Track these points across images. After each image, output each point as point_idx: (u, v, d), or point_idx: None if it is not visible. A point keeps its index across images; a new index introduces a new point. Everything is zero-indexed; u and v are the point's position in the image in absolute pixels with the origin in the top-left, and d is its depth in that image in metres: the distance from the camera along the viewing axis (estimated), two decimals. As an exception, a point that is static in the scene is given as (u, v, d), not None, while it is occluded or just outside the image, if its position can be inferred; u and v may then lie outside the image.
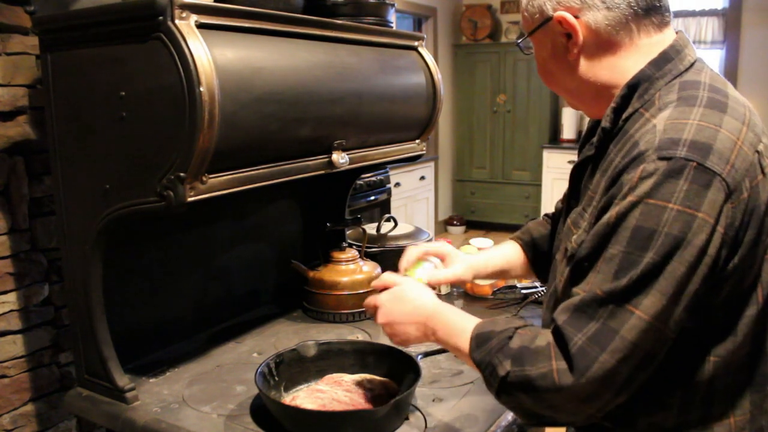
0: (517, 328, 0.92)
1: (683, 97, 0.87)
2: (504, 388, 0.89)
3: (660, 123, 0.85)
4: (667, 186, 0.79)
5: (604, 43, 0.93)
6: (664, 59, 0.92)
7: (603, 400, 0.83)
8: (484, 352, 0.92)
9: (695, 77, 0.92)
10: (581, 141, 1.10)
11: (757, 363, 0.91)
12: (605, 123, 0.95)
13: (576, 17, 0.92)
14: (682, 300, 0.80)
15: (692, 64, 0.94)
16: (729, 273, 0.83)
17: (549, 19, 0.94)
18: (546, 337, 0.87)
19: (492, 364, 0.90)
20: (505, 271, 1.35)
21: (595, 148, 0.98)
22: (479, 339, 0.94)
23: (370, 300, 1.18)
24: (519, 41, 1.04)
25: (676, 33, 0.97)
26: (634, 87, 0.92)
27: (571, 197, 1.06)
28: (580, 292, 0.85)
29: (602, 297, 0.81)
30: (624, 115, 0.93)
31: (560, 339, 0.84)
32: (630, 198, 0.81)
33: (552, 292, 1.04)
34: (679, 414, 0.89)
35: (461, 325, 1.01)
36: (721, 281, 0.83)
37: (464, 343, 0.97)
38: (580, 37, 0.93)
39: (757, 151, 0.84)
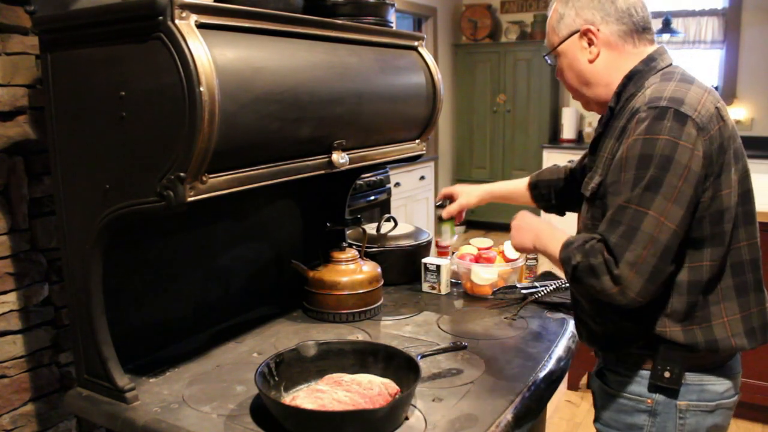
0: (592, 237, 1.20)
1: (663, 78, 1.25)
2: (574, 275, 1.20)
3: (647, 91, 1.22)
4: (656, 124, 1.15)
5: (614, 48, 1.31)
6: (650, 59, 1.31)
7: (638, 284, 1.12)
8: (567, 251, 1.23)
9: (672, 70, 1.29)
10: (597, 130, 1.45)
11: (736, 273, 1.23)
12: (611, 103, 1.31)
13: (597, 29, 1.30)
14: (680, 203, 1.13)
15: (670, 64, 1.32)
16: (708, 188, 1.17)
17: (576, 31, 1.32)
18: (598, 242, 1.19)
19: (569, 257, 1.21)
20: (507, 197, 1.85)
21: (604, 125, 1.34)
22: (566, 243, 1.25)
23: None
24: (546, 55, 1.42)
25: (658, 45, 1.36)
26: (630, 77, 1.30)
27: (588, 169, 1.40)
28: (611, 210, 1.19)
29: (624, 206, 1.15)
30: (624, 97, 1.29)
31: (604, 242, 1.17)
32: (632, 137, 1.17)
33: (581, 233, 1.34)
34: (688, 314, 1.22)
35: (558, 237, 1.30)
36: (703, 194, 1.16)
37: (556, 248, 1.27)
38: (599, 44, 1.31)
39: (717, 107, 1.21)
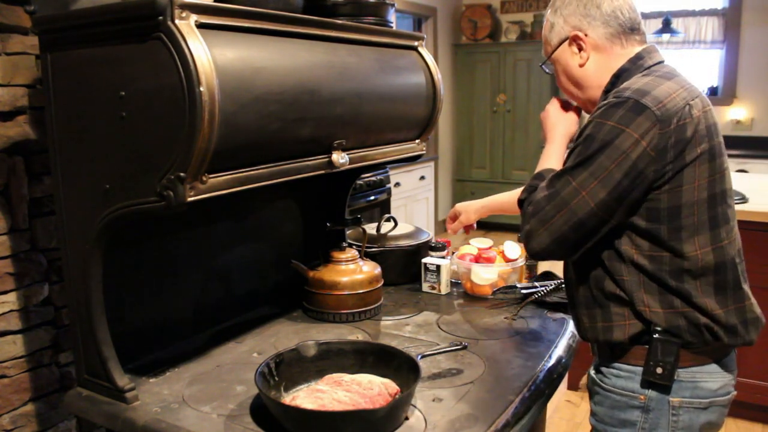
0: (537, 186, 1.32)
1: (644, 74, 1.29)
2: (519, 205, 1.35)
3: (624, 84, 1.27)
4: (609, 111, 1.21)
5: (602, 51, 1.36)
6: (638, 57, 1.34)
7: (544, 240, 1.25)
8: (531, 181, 1.37)
9: (658, 68, 1.31)
10: None
11: (716, 271, 1.25)
12: (601, 101, 1.31)
13: (585, 34, 1.36)
14: (605, 185, 1.19)
15: (659, 63, 1.33)
16: (664, 183, 1.20)
17: (565, 39, 1.38)
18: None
19: (525, 188, 1.36)
20: (504, 209, 1.95)
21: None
22: (537, 174, 1.38)
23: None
24: (542, 64, 1.49)
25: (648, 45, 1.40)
26: (618, 75, 1.33)
27: None
28: None
29: (560, 174, 1.26)
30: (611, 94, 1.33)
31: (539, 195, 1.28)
32: (589, 119, 1.26)
33: None
34: (670, 298, 1.24)
35: (547, 159, 1.44)
36: (662, 185, 1.20)
37: (540, 164, 1.44)
38: (588, 48, 1.36)
39: (688, 104, 1.22)
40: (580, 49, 1.37)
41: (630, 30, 1.35)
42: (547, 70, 1.48)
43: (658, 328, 1.24)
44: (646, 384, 1.27)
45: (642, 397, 1.28)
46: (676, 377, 1.25)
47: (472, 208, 1.99)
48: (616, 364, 1.31)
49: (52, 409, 1.61)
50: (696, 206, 1.22)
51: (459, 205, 2.04)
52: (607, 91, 1.33)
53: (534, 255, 1.29)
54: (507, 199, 1.93)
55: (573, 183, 1.22)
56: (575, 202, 1.21)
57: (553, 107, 1.55)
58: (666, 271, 1.23)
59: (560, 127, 1.50)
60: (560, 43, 1.39)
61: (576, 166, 1.22)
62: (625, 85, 1.26)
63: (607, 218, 1.22)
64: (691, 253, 1.22)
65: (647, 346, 1.26)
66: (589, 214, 1.21)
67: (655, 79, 1.25)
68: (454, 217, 2.04)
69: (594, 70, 1.37)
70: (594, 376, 1.39)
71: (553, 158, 1.44)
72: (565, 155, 1.36)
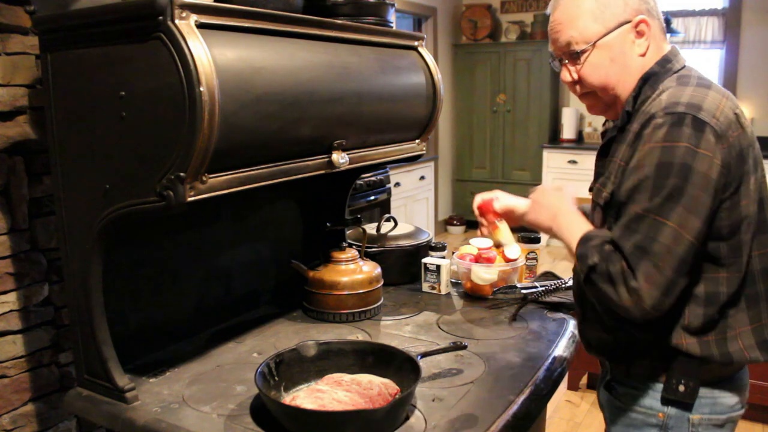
0: (608, 239, 1.16)
1: (679, 82, 1.20)
2: (588, 277, 1.16)
3: (664, 96, 1.16)
4: (672, 131, 1.10)
5: (657, 42, 1.25)
6: (666, 60, 1.25)
7: (654, 297, 1.08)
8: (584, 247, 1.19)
9: (687, 73, 1.24)
10: (603, 135, 1.37)
11: (746, 284, 1.19)
12: (627, 107, 1.24)
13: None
14: (699, 214, 1.08)
15: (684, 66, 1.26)
16: (727, 199, 1.12)
17: (626, 22, 1.22)
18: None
19: (586, 256, 1.17)
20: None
21: (618, 129, 1.26)
22: (585, 238, 1.21)
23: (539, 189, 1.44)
24: (576, 51, 1.25)
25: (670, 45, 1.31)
26: (646, 80, 1.24)
27: (597, 177, 1.33)
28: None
29: (642, 215, 1.10)
30: (639, 101, 1.23)
31: (618, 249, 1.12)
32: (649, 144, 1.12)
33: None
34: (704, 326, 1.17)
35: (579, 226, 1.26)
36: (721, 205, 1.12)
37: (575, 239, 1.23)
38: (650, 35, 1.23)
39: (735, 113, 1.16)
40: (641, 36, 1.23)
41: (665, 26, 1.27)
42: (565, 60, 1.28)
43: (690, 355, 1.18)
44: (665, 401, 1.22)
45: (660, 414, 1.23)
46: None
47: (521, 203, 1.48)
48: (633, 381, 1.27)
49: (52, 409, 1.61)
50: (752, 219, 1.16)
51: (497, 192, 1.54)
52: (636, 96, 1.23)
53: (645, 319, 1.12)
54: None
55: (669, 223, 1.08)
56: (677, 244, 1.08)
57: (546, 186, 1.42)
58: (713, 293, 1.16)
59: (562, 196, 1.35)
60: (619, 26, 1.21)
61: (664, 202, 1.08)
62: (669, 97, 1.14)
63: (700, 246, 1.12)
64: (743, 266, 1.16)
65: (668, 363, 1.21)
66: (690, 249, 1.09)
67: (697, 89, 1.16)
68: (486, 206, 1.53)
69: (647, 62, 1.24)
70: (607, 392, 1.33)
71: (580, 223, 1.27)
72: (621, 181, 1.18)
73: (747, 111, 5.72)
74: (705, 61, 5.93)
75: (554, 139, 6.39)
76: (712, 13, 5.84)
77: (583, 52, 1.24)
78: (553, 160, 6.10)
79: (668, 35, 1.32)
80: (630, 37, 1.23)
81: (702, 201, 1.08)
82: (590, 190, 1.41)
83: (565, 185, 1.49)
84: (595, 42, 1.22)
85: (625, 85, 1.25)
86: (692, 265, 1.11)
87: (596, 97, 1.29)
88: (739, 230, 1.15)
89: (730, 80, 5.79)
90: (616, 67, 1.24)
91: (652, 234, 1.08)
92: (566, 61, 1.28)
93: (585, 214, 1.52)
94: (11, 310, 1.51)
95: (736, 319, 1.18)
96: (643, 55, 1.23)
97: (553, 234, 1.33)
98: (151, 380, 1.41)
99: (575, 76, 1.28)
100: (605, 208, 1.24)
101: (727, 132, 1.11)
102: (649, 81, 1.23)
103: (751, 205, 1.15)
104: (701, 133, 1.08)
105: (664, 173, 1.09)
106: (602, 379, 1.39)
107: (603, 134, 1.37)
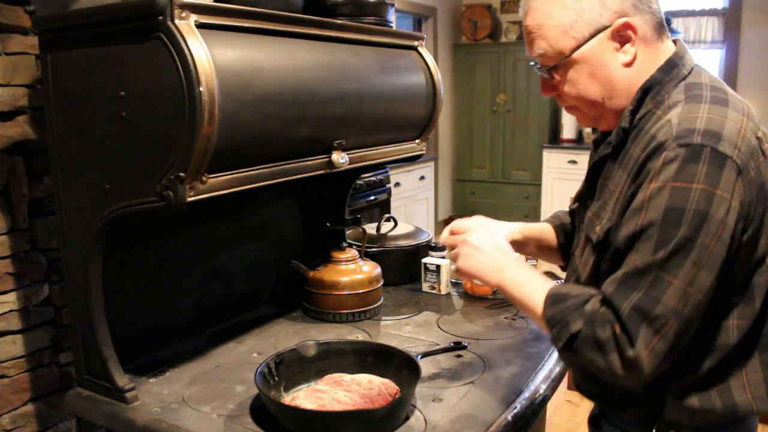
0: (592, 296, 1.00)
1: (690, 96, 1.00)
2: (570, 345, 0.98)
3: (674, 118, 0.96)
4: (689, 168, 0.91)
5: (649, 45, 1.05)
6: (670, 65, 1.05)
7: (651, 366, 0.93)
8: (558, 309, 1.01)
9: (697, 80, 1.04)
10: (595, 143, 1.20)
11: (760, 327, 1.01)
12: (624, 123, 1.06)
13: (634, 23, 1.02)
14: (711, 268, 0.91)
15: (692, 69, 1.06)
16: (744, 243, 0.95)
17: (604, 28, 1.02)
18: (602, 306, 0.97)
19: (565, 321, 0.99)
20: (542, 241, 1.42)
21: (613, 147, 1.08)
22: (555, 298, 1.03)
23: (463, 222, 1.27)
24: (542, 66, 1.09)
25: (675, 42, 1.09)
26: (647, 90, 1.04)
27: (588, 195, 1.18)
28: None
29: (642, 269, 0.93)
30: (638, 115, 1.04)
31: (612, 308, 0.95)
32: (656, 183, 0.93)
33: (573, 283, 1.14)
34: (707, 377, 1.01)
35: (536, 281, 1.10)
36: (737, 251, 0.95)
37: (536, 297, 1.06)
38: (637, 40, 1.03)
39: (758, 138, 0.97)
40: (625, 42, 1.03)
41: (662, 20, 1.06)
42: (543, 73, 1.11)
43: (684, 407, 1.03)
44: None
45: None
46: None
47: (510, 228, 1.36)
48: (621, 423, 1.13)
49: (52, 409, 1.61)
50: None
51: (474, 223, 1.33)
52: (634, 111, 1.04)
53: (640, 387, 0.99)
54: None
55: (675, 282, 0.91)
56: (684, 305, 0.91)
57: (477, 238, 1.18)
58: (720, 344, 1.00)
59: (500, 243, 1.19)
60: (594, 35, 1.02)
61: (670, 256, 0.91)
62: (681, 121, 0.95)
63: (708, 301, 0.95)
64: (756, 310, 1.00)
65: (660, 411, 1.05)
66: (698, 308, 0.93)
67: (713, 106, 0.96)
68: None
69: (637, 71, 1.04)
70: (593, 428, 1.22)
71: (535, 277, 1.11)
72: (620, 221, 1.00)
73: (747, 111, 5.71)
74: (705, 61, 5.93)
75: (554, 139, 6.39)
76: (712, 13, 5.84)
77: (555, 68, 1.07)
78: (553, 160, 6.09)
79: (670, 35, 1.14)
80: (610, 45, 1.03)
81: (715, 252, 0.91)
82: (575, 200, 1.29)
83: (485, 221, 1.29)
84: (568, 56, 1.04)
85: (613, 101, 1.07)
86: (697, 321, 0.95)
87: (582, 110, 1.12)
88: (754, 272, 0.99)
89: (730, 80, 5.79)
90: (597, 82, 1.06)
91: (656, 294, 0.92)
92: (543, 74, 1.11)
93: (558, 227, 1.40)
94: (11, 310, 1.51)
95: (746, 365, 1.02)
96: (629, 64, 1.04)
97: (499, 287, 1.14)
98: (151, 380, 1.41)
99: (553, 91, 1.12)
100: (597, 247, 1.06)
101: (748, 164, 0.93)
102: (650, 92, 1.04)
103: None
104: (721, 170, 0.90)
105: (673, 221, 0.91)
106: (591, 412, 1.25)
107: (595, 142, 1.20)
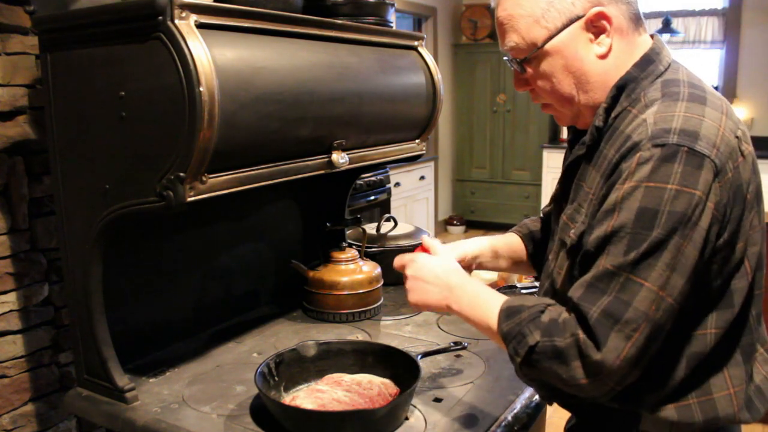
0: (548, 305, 0.97)
1: (667, 93, 0.96)
2: (529, 359, 0.94)
3: (650, 117, 0.93)
4: (664, 168, 0.87)
5: (624, 36, 1.00)
6: (646, 61, 1.01)
7: (619, 373, 0.88)
8: (513, 323, 0.97)
9: (674, 76, 1.00)
10: (570, 143, 1.16)
11: (742, 333, 0.98)
12: (598, 122, 1.02)
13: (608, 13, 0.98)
14: (684, 272, 0.87)
15: (669, 65, 1.02)
16: (720, 247, 0.91)
17: (577, 18, 0.98)
18: (568, 313, 0.93)
19: (522, 334, 0.95)
20: (511, 254, 1.37)
21: (587, 147, 1.04)
22: (509, 311, 0.99)
23: (404, 256, 1.20)
24: (513, 59, 1.05)
25: (652, 37, 1.06)
26: (621, 87, 1.00)
27: (562, 197, 1.13)
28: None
29: (612, 271, 0.89)
30: (613, 114, 1.00)
31: (579, 314, 0.91)
32: (630, 183, 0.89)
33: (548, 289, 1.09)
34: (683, 388, 0.96)
35: (487, 298, 1.05)
36: (713, 255, 0.91)
37: (490, 314, 1.01)
38: (612, 30, 0.99)
39: (737, 137, 0.94)
40: (600, 33, 0.99)
41: (639, 12, 1.03)
42: (515, 67, 1.07)
43: (662, 420, 0.98)
44: None
45: None
46: None
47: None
48: (600, 429, 1.09)
49: (52, 409, 1.61)
50: (748, 262, 0.96)
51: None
52: (608, 109, 1.01)
53: (606, 397, 0.93)
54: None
55: (646, 284, 0.87)
56: (655, 310, 0.87)
57: (419, 270, 1.13)
58: (695, 353, 0.95)
59: (446, 263, 1.15)
60: (567, 25, 0.98)
61: (640, 258, 0.87)
62: (657, 120, 0.91)
63: (679, 307, 0.90)
64: (735, 313, 0.95)
65: (637, 426, 1.01)
66: (669, 312, 0.89)
67: (690, 105, 0.93)
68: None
69: (613, 64, 1.00)
70: None
71: (486, 293, 1.06)
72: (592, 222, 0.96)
73: (747, 111, 5.72)
74: (705, 61, 5.94)
75: (554, 139, 6.39)
76: (712, 13, 5.84)
77: (528, 60, 1.03)
78: (553, 160, 6.09)
79: (661, 36, 1.12)
80: (584, 36, 0.99)
81: (688, 255, 0.87)
82: (549, 202, 1.25)
83: (437, 242, 1.24)
84: (541, 47, 1.00)
85: (588, 95, 1.02)
86: (670, 326, 0.91)
87: (557, 108, 1.08)
88: (732, 277, 0.95)
89: (730, 80, 5.79)
90: (571, 75, 1.01)
91: (626, 297, 0.87)
92: (515, 67, 1.07)
93: (526, 237, 1.36)
94: (11, 310, 1.51)
95: (728, 375, 0.97)
96: (605, 56, 1.00)
97: (451, 312, 1.10)
98: (151, 380, 1.41)
99: (527, 86, 1.08)
100: (571, 251, 1.01)
101: (726, 165, 0.90)
102: (626, 89, 1.00)
103: (748, 245, 0.95)
104: (698, 171, 0.87)
105: (645, 223, 0.87)
106: (567, 423, 1.22)
107: (570, 143, 1.15)
